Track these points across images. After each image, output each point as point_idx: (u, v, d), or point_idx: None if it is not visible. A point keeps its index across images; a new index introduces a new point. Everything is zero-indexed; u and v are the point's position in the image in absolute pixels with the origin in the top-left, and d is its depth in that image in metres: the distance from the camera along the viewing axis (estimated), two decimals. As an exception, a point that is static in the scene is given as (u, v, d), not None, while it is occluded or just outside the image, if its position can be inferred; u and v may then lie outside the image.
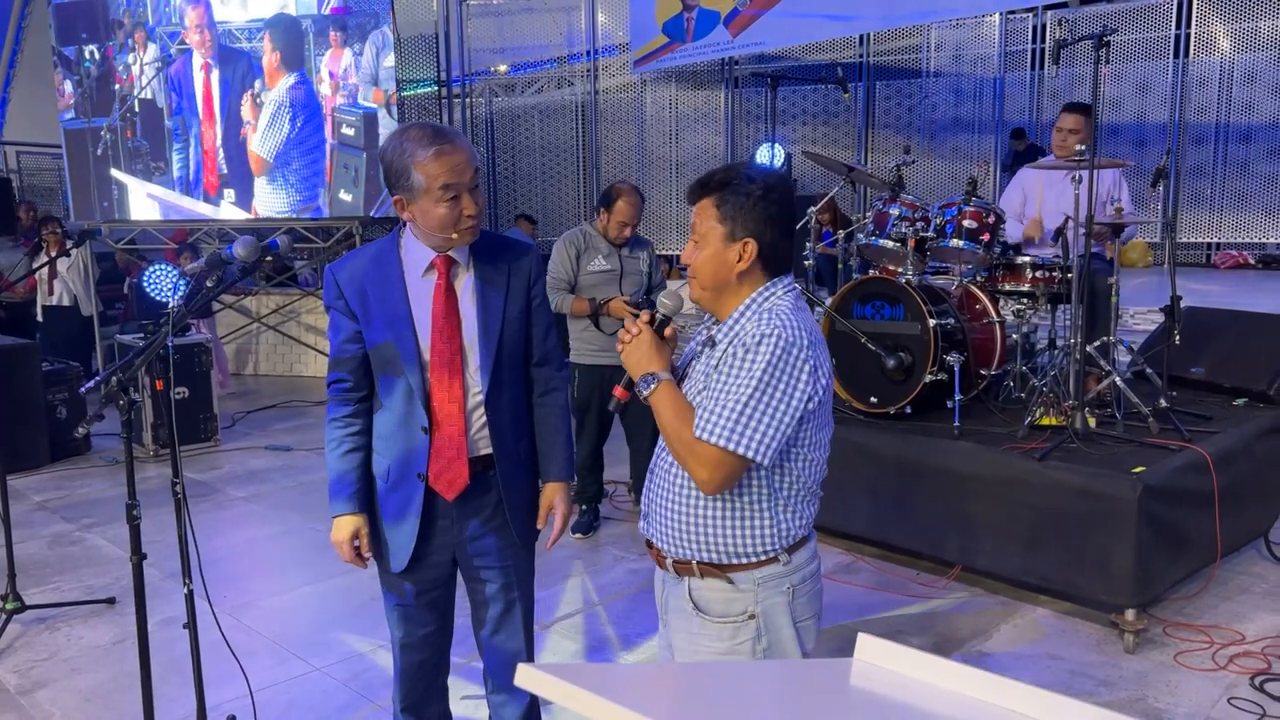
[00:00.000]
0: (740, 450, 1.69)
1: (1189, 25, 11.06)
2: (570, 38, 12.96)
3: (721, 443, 1.69)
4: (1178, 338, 4.12)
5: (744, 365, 1.72)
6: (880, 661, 1.00)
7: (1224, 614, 3.66)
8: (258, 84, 8.51)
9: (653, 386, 1.80)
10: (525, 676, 0.80)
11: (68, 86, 8.86)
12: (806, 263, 4.81)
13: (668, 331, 1.88)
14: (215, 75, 8.57)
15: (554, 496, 2.33)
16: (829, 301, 4.50)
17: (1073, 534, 3.49)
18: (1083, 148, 3.97)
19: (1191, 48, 11.12)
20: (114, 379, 2.16)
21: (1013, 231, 4.67)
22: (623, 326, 1.89)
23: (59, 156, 10.28)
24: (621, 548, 4.58)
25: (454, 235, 2.13)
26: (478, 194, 2.13)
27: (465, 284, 2.20)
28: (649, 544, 1.96)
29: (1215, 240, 11.53)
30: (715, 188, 1.82)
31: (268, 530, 5.04)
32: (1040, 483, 3.58)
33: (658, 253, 5.01)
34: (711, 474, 1.71)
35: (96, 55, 8.78)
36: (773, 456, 1.72)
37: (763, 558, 1.81)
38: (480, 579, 2.33)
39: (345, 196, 8.46)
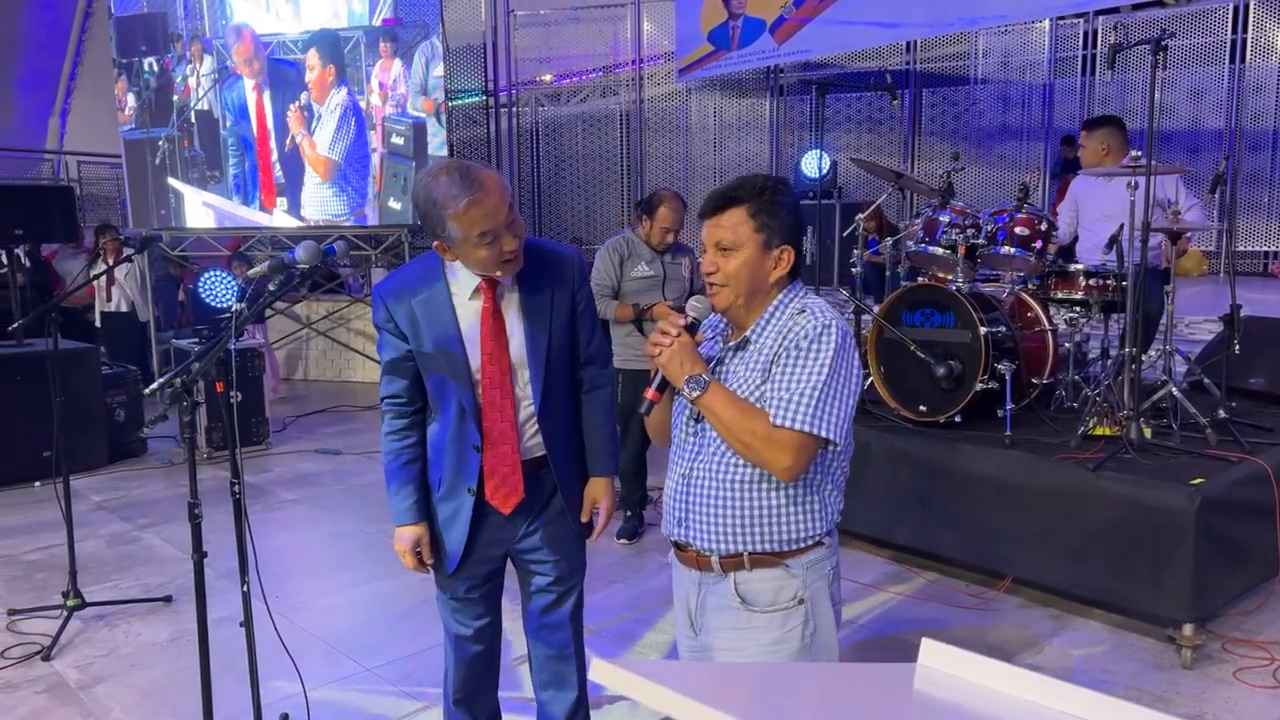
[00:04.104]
0: (821, 433, 1.78)
1: (1245, 30, 10.83)
2: (615, 47, 13.02)
3: (805, 428, 1.76)
4: (1237, 347, 4.03)
5: (812, 355, 1.80)
6: (945, 667, 1.00)
7: (1285, 630, 3.57)
8: (304, 96, 8.66)
9: (704, 387, 1.83)
10: (600, 671, 0.81)
11: (130, 99, 9.09)
12: (854, 270, 4.78)
13: (698, 336, 1.93)
14: (268, 96, 8.75)
15: (598, 491, 2.37)
16: (877, 309, 4.47)
17: (1127, 546, 3.43)
18: (1139, 152, 3.90)
19: (1248, 53, 10.89)
20: (178, 380, 2.22)
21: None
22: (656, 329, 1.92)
23: (118, 166, 10.55)
24: (666, 554, 4.57)
25: (497, 272, 2.15)
26: (515, 227, 2.12)
27: (512, 303, 2.23)
28: (679, 547, 1.98)
29: (1273, 249, 11.26)
30: (748, 197, 1.87)
31: (318, 532, 5.12)
32: (1094, 494, 3.52)
33: (699, 259, 5.01)
34: (795, 459, 1.78)
35: (155, 67, 9.00)
36: (845, 437, 1.83)
37: (812, 541, 1.89)
38: (531, 571, 2.37)
39: (394, 205, 8.58)
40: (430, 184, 2.08)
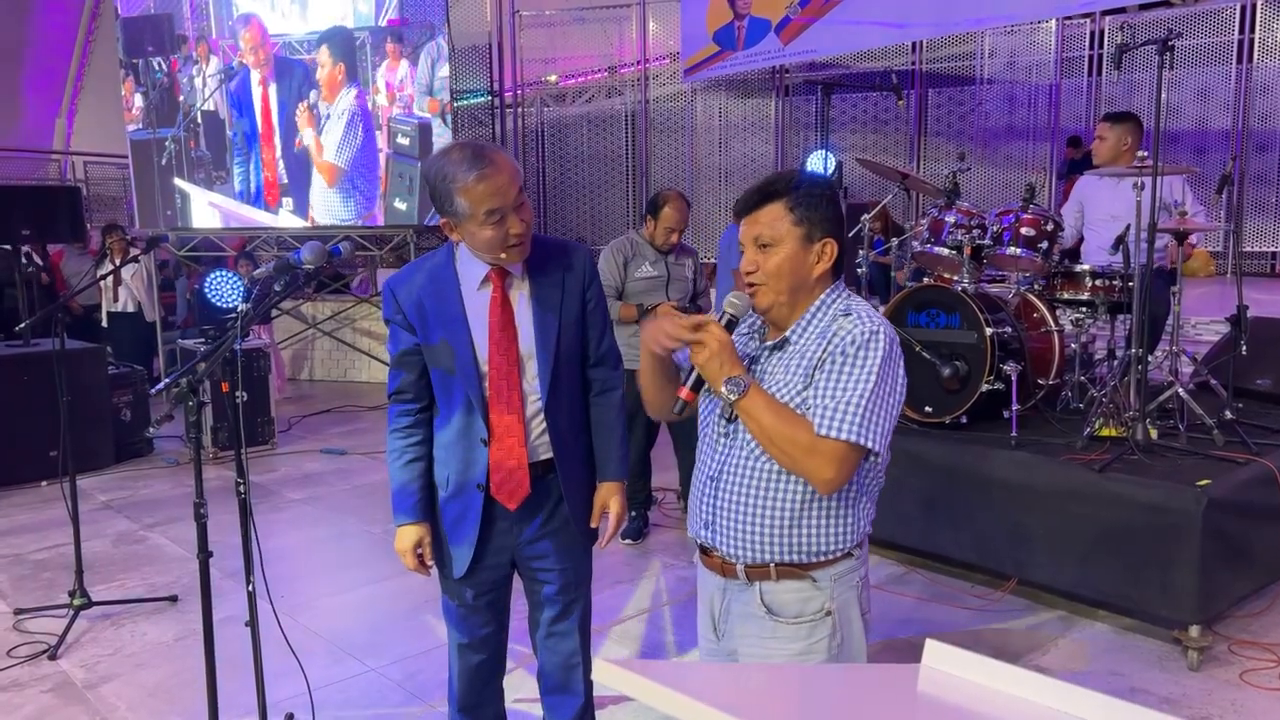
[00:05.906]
0: (867, 443, 1.70)
1: (1252, 30, 10.80)
2: (621, 47, 13.02)
3: (852, 438, 1.69)
4: (1244, 348, 4.02)
5: (859, 361, 1.73)
6: (949, 668, 0.99)
7: (1292, 632, 3.56)
8: (313, 94, 8.68)
9: (744, 390, 1.74)
10: (601, 671, 0.81)
11: (136, 99, 9.12)
12: (859, 270, 4.78)
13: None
14: (273, 89, 8.77)
15: (608, 496, 2.34)
16: (883, 310, 4.46)
17: (1133, 547, 3.42)
18: (1145, 153, 3.89)
19: (1255, 53, 10.86)
20: (184, 380, 2.22)
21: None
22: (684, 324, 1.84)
23: (124, 166, 10.58)
24: (670, 555, 4.58)
25: (502, 255, 2.13)
26: (524, 210, 2.10)
27: (521, 294, 2.21)
28: (705, 552, 1.92)
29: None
30: (786, 190, 1.80)
31: (323, 532, 5.13)
32: (1100, 495, 3.51)
33: (704, 260, 5.02)
34: (838, 470, 1.71)
35: (162, 68, 9.03)
36: (887, 448, 1.76)
37: (840, 553, 1.83)
38: (538, 580, 2.34)
39: (400, 205, 8.59)
40: (442, 159, 2.09)
